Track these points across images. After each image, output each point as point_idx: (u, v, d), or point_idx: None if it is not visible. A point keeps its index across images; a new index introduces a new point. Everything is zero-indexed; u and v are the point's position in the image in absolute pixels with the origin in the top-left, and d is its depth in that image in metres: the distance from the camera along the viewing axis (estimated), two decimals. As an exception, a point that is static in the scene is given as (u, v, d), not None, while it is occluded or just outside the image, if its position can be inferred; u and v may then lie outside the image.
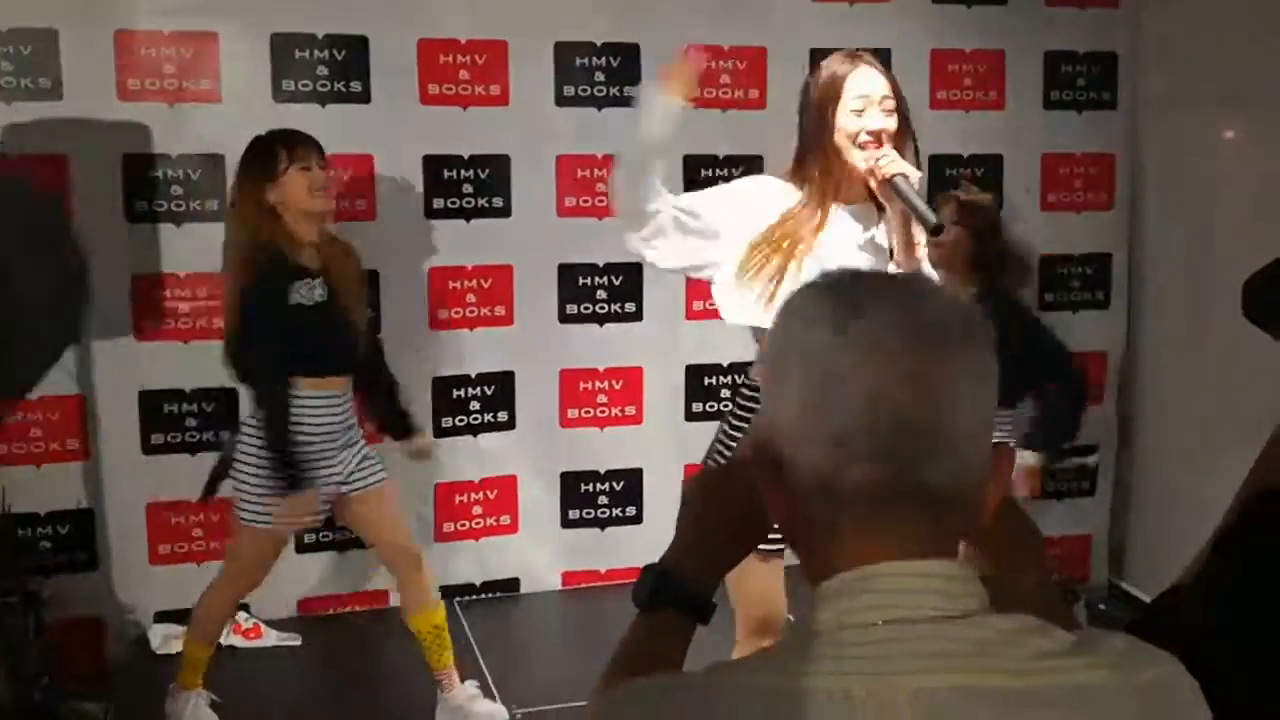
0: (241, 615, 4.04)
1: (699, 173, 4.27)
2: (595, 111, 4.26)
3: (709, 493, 1.11)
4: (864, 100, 2.52)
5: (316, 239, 3.27)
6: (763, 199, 2.60)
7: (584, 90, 4.28)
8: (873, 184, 2.52)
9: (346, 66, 4.06)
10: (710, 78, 4.37)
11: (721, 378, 4.50)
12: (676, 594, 1.11)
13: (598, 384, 4.45)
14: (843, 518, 0.87)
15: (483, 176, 4.22)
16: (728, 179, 4.36)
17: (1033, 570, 1.10)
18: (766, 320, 2.43)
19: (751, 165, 4.39)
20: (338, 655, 4.02)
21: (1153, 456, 4.52)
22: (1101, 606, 3.25)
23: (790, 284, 2.47)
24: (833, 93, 2.54)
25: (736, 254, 2.56)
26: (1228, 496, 3.50)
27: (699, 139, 4.17)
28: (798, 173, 2.62)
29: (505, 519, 4.47)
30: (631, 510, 4.52)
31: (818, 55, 4.36)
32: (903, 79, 4.38)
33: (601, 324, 4.40)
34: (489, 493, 4.42)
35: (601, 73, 4.30)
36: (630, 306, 4.42)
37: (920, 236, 2.55)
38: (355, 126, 4.03)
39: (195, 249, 3.98)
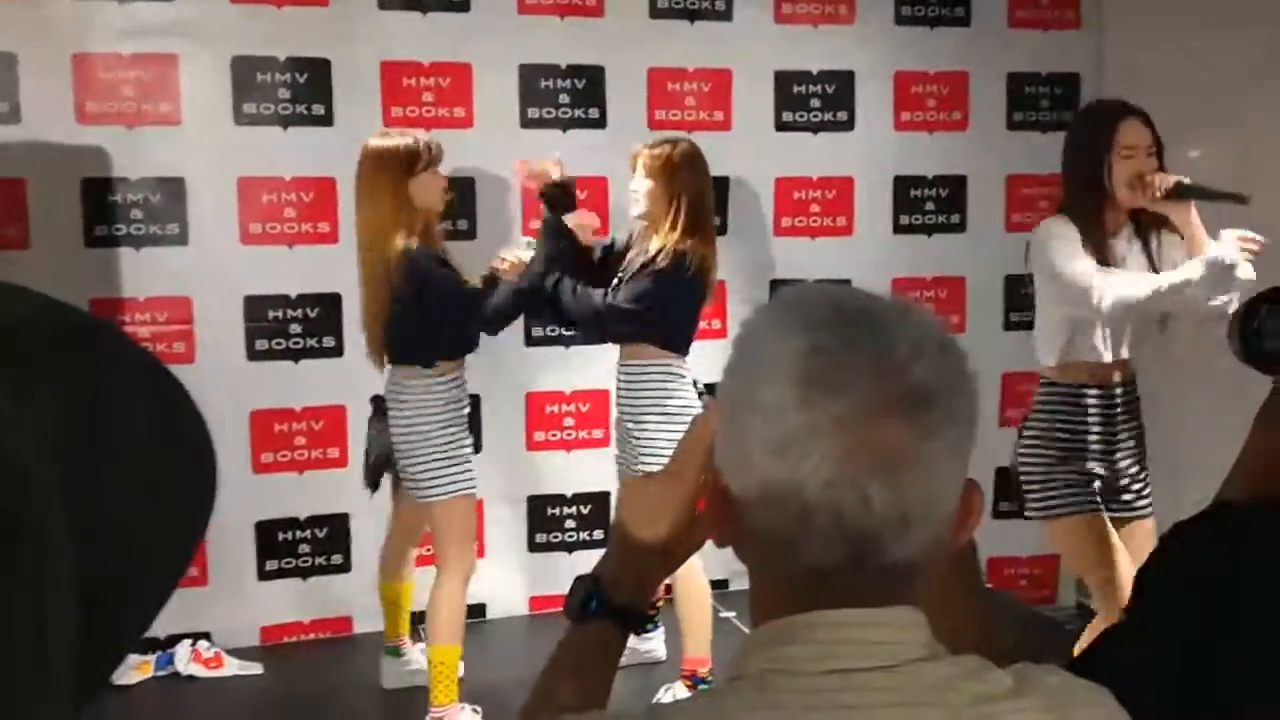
0: (202, 644, 3.99)
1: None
2: (560, 133, 4.25)
3: (642, 503, 1.08)
4: (1131, 150, 2.93)
5: None
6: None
7: (549, 112, 4.28)
8: (1145, 204, 2.90)
9: (309, 89, 4.04)
10: (675, 100, 4.37)
11: (689, 400, 4.48)
12: (607, 606, 1.09)
13: (564, 407, 4.43)
14: (790, 579, 0.85)
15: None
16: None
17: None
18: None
19: (717, 187, 4.40)
20: (300, 684, 3.96)
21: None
22: (1069, 627, 3.24)
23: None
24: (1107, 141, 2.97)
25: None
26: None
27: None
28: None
29: (472, 544, 4.43)
30: (599, 534, 4.49)
31: (783, 77, 4.46)
32: (866, 101, 4.50)
33: (567, 346, 4.38)
34: (455, 517, 4.37)
35: (566, 95, 4.30)
36: (596, 329, 4.40)
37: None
38: (318, 149, 4.01)
39: (155, 273, 3.94)
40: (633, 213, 3.60)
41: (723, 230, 4.38)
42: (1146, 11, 4.29)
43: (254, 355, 4.10)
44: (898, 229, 4.60)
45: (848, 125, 4.53)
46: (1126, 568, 2.96)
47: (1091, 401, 3.03)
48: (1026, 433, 3.10)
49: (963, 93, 4.56)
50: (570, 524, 4.50)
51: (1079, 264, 2.90)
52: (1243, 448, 1.20)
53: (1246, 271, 2.78)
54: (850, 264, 4.46)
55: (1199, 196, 2.87)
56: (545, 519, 4.49)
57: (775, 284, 4.44)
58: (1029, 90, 4.60)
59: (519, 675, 4.04)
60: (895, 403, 0.79)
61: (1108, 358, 3.00)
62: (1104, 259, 2.94)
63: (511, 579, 4.48)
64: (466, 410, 3.56)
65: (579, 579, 1.12)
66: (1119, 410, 3.06)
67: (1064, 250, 2.95)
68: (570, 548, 4.50)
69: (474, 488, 3.53)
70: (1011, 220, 4.63)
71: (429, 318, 3.35)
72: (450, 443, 3.45)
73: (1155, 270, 2.94)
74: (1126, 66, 4.41)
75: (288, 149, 4.03)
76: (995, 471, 4.59)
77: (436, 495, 3.46)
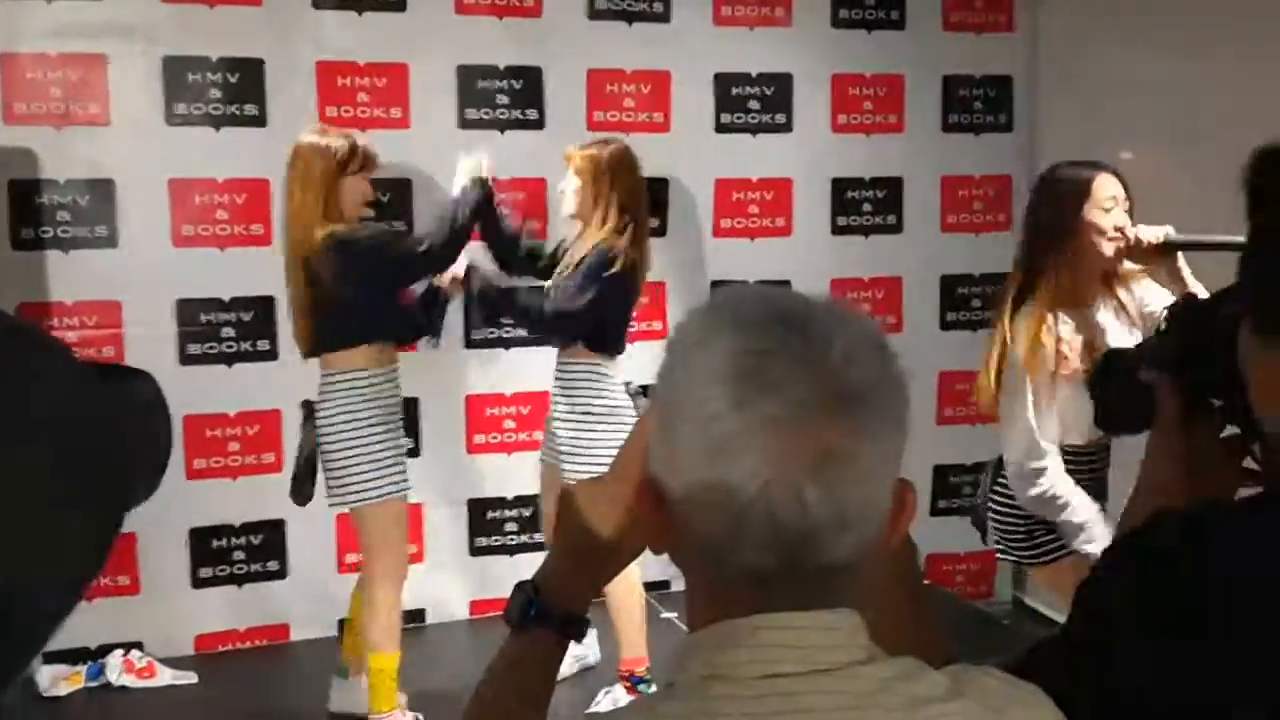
0: (134, 654, 3.91)
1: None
2: (499, 134, 4.23)
3: (584, 507, 1.07)
4: (1112, 201, 2.76)
5: None
6: None
7: (487, 113, 4.25)
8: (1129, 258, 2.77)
9: (242, 89, 3.98)
10: (614, 101, 4.37)
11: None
12: (546, 612, 1.08)
13: (504, 409, 4.41)
14: (727, 582, 0.84)
15: (383, 199, 4.15)
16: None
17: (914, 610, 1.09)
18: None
19: (657, 188, 4.40)
20: (236, 693, 3.89)
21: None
22: (1005, 623, 3.28)
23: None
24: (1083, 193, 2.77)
25: None
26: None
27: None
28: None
29: (411, 548, 4.38)
30: (540, 536, 4.47)
31: (722, 79, 4.47)
32: (804, 103, 4.53)
33: (508, 348, 4.36)
34: (394, 522, 4.33)
35: (504, 95, 4.28)
36: (537, 331, 4.38)
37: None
38: (251, 150, 3.95)
39: (84, 276, 3.86)
40: (564, 212, 3.64)
41: (662, 232, 4.38)
42: (1078, 15, 4.36)
43: (186, 360, 4.03)
44: (835, 230, 4.64)
45: (786, 127, 4.55)
46: None
47: (1073, 464, 2.85)
48: (1000, 478, 2.93)
49: (899, 95, 4.61)
50: (511, 527, 4.48)
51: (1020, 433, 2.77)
52: (1138, 481, 1.23)
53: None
54: (789, 265, 4.49)
55: (1192, 248, 2.72)
56: (486, 522, 4.46)
57: (715, 285, 4.45)
58: (963, 93, 4.66)
59: (461, 681, 4.00)
60: (829, 403, 0.79)
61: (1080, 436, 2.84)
62: (1087, 334, 2.78)
63: (452, 583, 4.45)
64: (398, 409, 3.51)
65: (519, 585, 1.11)
66: (1093, 471, 2.91)
67: (1018, 397, 2.76)
68: (511, 551, 4.48)
69: (406, 490, 3.49)
70: (947, 221, 4.69)
71: (360, 297, 3.32)
72: (380, 443, 3.40)
73: (1135, 323, 2.80)
74: (1058, 69, 4.49)
75: (220, 150, 3.97)
76: (933, 470, 4.67)
77: (365, 498, 3.40)
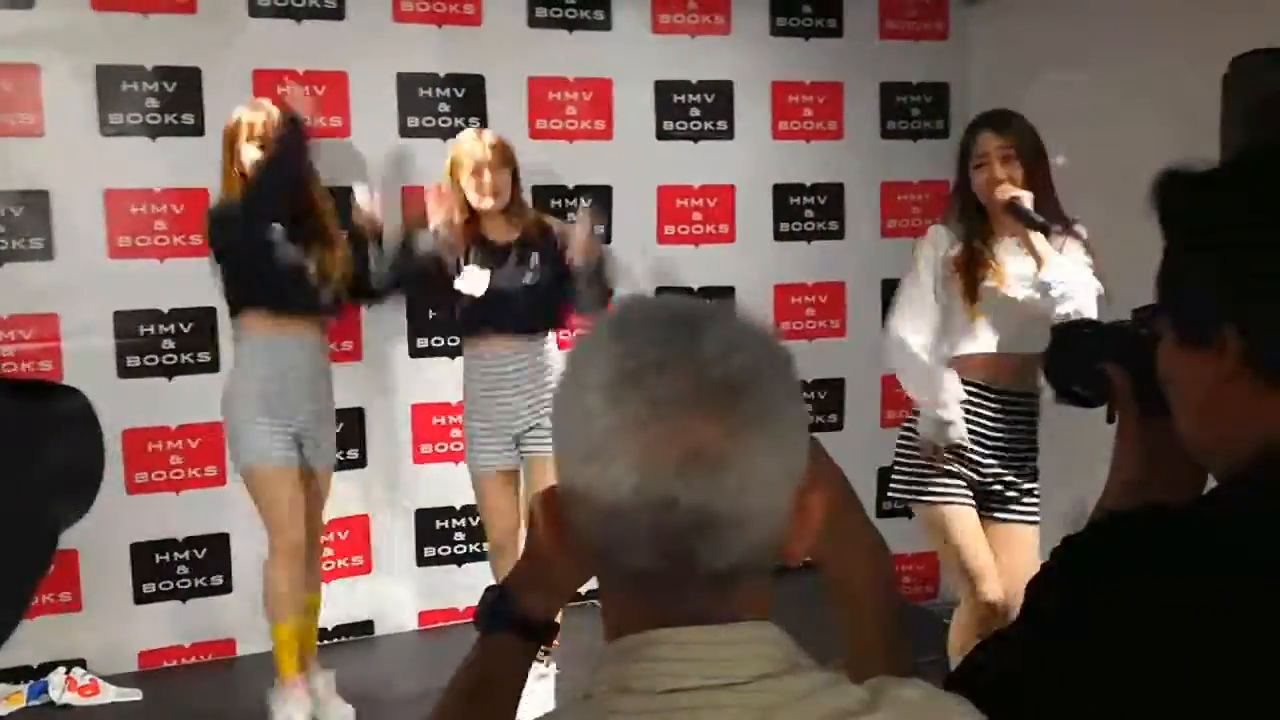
0: (77, 671, 3.85)
1: (549, 203, 4.27)
2: (440, 142, 4.21)
3: (551, 513, 1.07)
4: (983, 157, 3.07)
5: None
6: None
7: (429, 121, 4.24)
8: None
9: (178, 99, 3.94)
10: (556, 109, 4.38)
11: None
12: (515, 617, 1.08)
13: (451, 418, 4.39)
14: (622, 588, 0.83)
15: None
16: (575, 209, 4.42)
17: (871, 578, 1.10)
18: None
19: (600, 195, 4.41)
20: (181, 710, 3.85)
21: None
22: (946, 621, 3.32)
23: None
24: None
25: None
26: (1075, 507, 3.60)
27: (547, 170, 4.17)
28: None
29: (358, 559, 4.37)
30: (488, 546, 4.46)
31: (663, 86, 4.50)
32: (744, 110, 4.56)
33: (453, 358, 4.34)
34: (340, 533, 4.30)
35: (446, 104, 4.27)
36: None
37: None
38: (189, 160, 3.91)
39: (18, 289, 3.80)
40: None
41: (607, 239, 4.39)
42: (1011, 23, 4.43)
43: (125, 372, 3.98)
44: (778, 236, 4.68)
45: (728, 134, 4.59)
46: (990, 565, 3.09)
47: (976, 402, 3.11)
48: (906, 422, 3.23)
49: (838, 102, 4.66)
50: (459, 536, 4.46)
51: (903, 307, 3.15)
52: (1110, 470, 1.23)
53: (959, 430, 3.07)
54: (732, 271, 4.52)
55: (1017, 219, 3.00)
56: (434, 532, 4.44)
57: (660, 291, 4.46)
58: (900, 100, 4.72)
59: (408, 692, 4.01)
60: (701, 400, 0.77)
61: (991, 348, 3.08)
62: (980, 261, 3.06)
63: (400, 594, 4.42)
64: (276, 379, 3.48)
65: (489, 588, 1.12)
66: (1002, 416, 3.11)
67: (910, 272, 3.17)
68: (460, 560, 4.46)
69: (267, 459, 3.47)
70: (887, 226, 4.74)
71: (224, 263, 3.48)
72: (249, 408, 3.46)
73: (1039, 267, 3.02)
74: (991, 76, 4.56)
75: (157, 160, 3.92)
76: (877, 472, 4.70)
77: (236, 466, 3.57)
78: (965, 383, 3.10)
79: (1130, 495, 1.17)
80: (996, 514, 3.16)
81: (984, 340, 3.09)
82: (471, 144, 3.59)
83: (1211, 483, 1.05)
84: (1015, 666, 0.97)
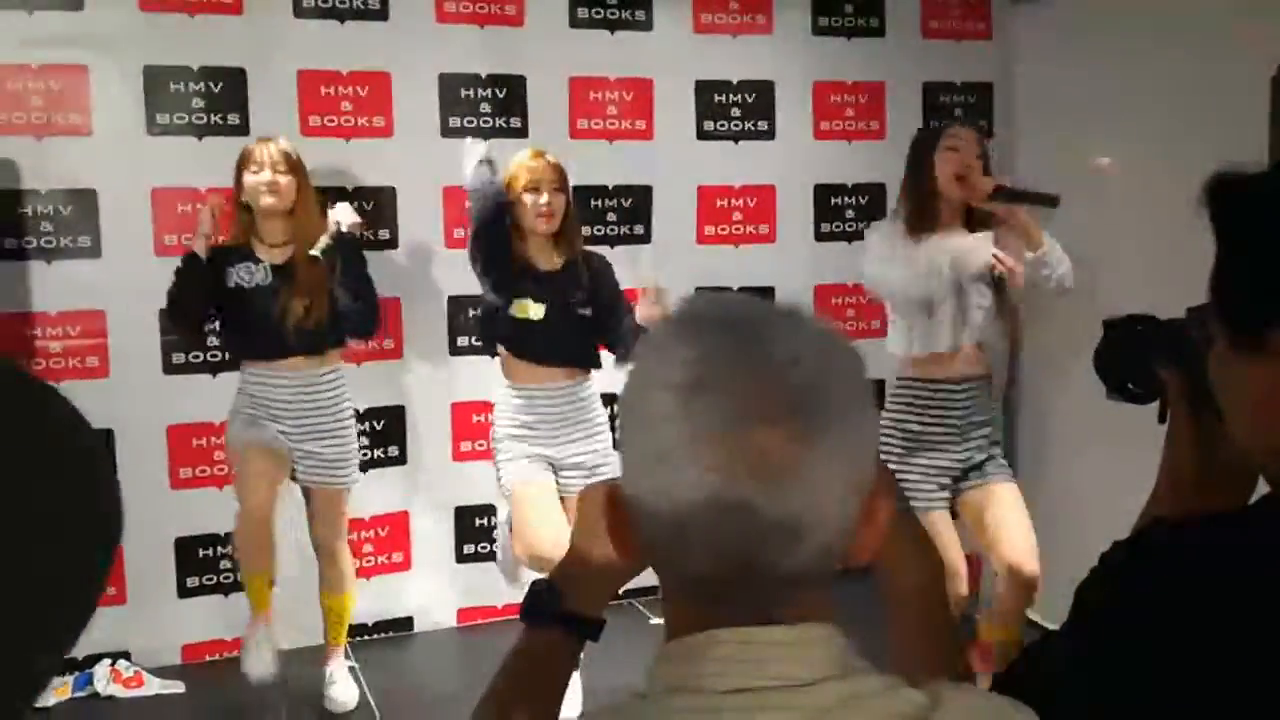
0: (122, 663, 3.90)
1: (589, 203, 4.28)
2: (481, 142, 4.22)
3: (600, 508, 1.07)
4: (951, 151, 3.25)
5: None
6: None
7: (469, 121, 4.26)
8: (973, 202, 3.22)
9: (224, 99, 3.98)
10: (597, 109, 4.39)
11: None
12: (561, 611, 1.08)
13: (490, 416, 4.39)
14: (684, 591, 0.84)
15: (367, 209, 4.16)
16: (617, 209, 4.42)
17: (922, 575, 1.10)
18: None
19: (640, 196, 4.42)
20: (223, 703, 3.89)
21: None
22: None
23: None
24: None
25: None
26: (1085, 506, 3.57)
27: (588, 170, 4.18)
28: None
29: (397, 556, 4.40)
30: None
31: (703, 86, 4.50)
32: (786, 111, 4.55)
33: (492, 356, 4.35)
34: (379, 530, 4.34)
35: (487, 104, 4.29)
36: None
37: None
38: (233, 159, 3.92)
39: (67, 287, 3.86)
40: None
41: (646, 239, 4.41)
42: (1055, 23, 4.39)
43: (170, 369, 4.03)
44: (819, 236, 4.66)
45: (768, 134, 4.57)
46: (959, 562, 3.30)
47: (942, 397, 3.28)
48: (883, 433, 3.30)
49: (880, 102, 4.64)
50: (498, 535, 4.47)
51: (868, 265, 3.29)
52: (1160, 469, 1.21)
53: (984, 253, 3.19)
54: (773, 271, 4.51)
55: (1014, 200, 3.18)
56: (473, 530, 4.46)
57: (700, 292, 4.46)
58: (944, 99, 4.69)
59: (446, 689, 4.03)
60: (773, 409, 0.77)
61: (946, 345, 3.25)
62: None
63: (439, 591, 4.45)
64: (257, 413, 3.63)
65: (535, 582, 1.12)
66: (968, 406, 3.31)
67: (867, 255, 3.30)
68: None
69: (241, 437, 3.62)
70: (929, 226, 4.70)
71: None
72: (237, 420, 3.65)
73: (1030, 247, 3.22)
74: (1035, 76, 4.51)
75: (202, 159, 3.97)
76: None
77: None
78: (929, 380, 3.29)
79: (1180, 496, 1.15)
80: (975, 480, 3.34)
81: (943, 336, 3.26)
82: (533, 161, 3.47)
83: (1262, 486, 1.04)
84: (1068, 670, 0.97)
